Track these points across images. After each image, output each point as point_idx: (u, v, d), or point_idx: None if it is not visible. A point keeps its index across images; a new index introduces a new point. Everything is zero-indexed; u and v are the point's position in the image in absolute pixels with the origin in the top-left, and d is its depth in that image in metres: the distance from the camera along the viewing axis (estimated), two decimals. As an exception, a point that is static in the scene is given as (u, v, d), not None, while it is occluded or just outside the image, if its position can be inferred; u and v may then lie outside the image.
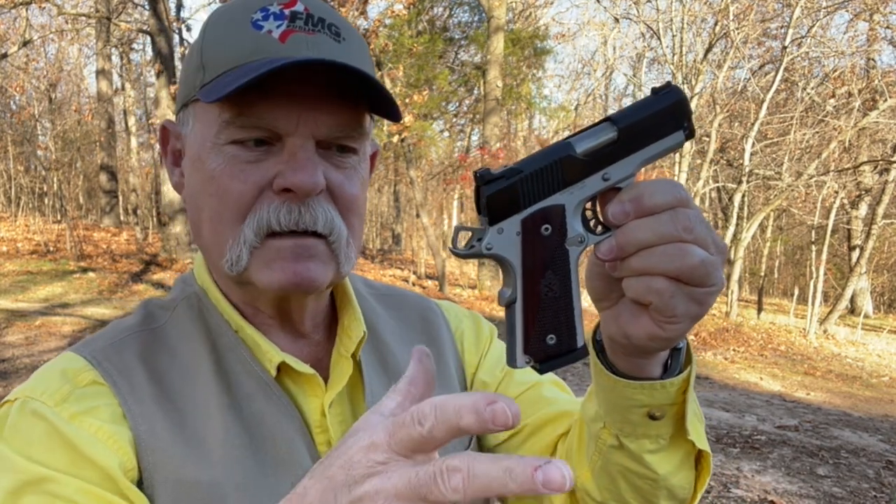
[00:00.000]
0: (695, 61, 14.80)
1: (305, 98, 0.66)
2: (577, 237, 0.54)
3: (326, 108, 0.67)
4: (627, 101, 23.04)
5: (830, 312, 14.31)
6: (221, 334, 0.74)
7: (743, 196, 14.54)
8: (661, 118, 0.53)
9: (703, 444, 0.67)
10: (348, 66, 0.64)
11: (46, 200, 17.12)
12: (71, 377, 0.67)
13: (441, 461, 0.39)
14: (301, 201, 0.67)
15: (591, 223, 0.56)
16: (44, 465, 0.62)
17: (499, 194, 0.51)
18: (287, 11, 0.67)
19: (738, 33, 14.23)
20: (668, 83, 0.55)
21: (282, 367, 0.72)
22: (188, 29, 17.00)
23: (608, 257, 0.53)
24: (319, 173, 0.67)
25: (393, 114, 0.69)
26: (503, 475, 0.38)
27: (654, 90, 0.54)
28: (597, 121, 0.54)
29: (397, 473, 0.41)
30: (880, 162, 15.22)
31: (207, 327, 0.75)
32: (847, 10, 14.53)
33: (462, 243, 0.53)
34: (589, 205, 0.55)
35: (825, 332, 13.90)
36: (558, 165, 0.51)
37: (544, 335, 0.55)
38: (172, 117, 0.82)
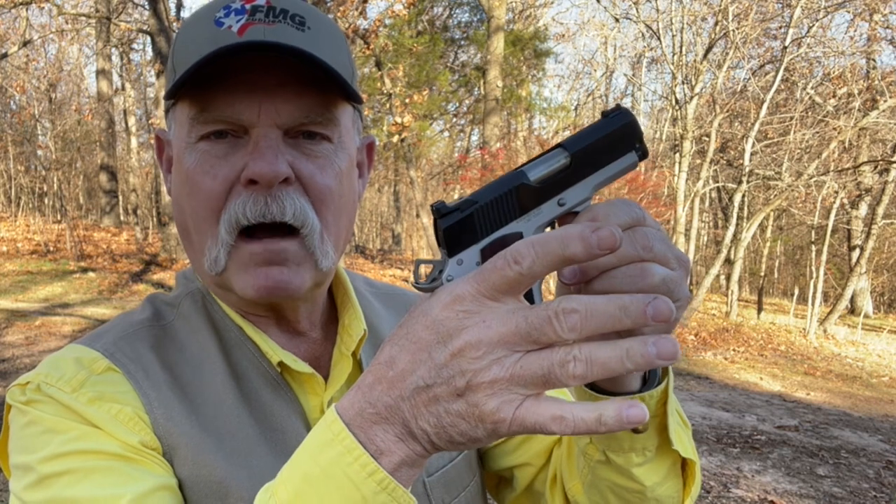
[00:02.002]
0: (695, 61, 14.78)
1: (265, 86, 0.66)
2: None
3: (285, 95, 0.67)
4: (627, 102, 23.05)
5: (830, 312, 14.31)
6: (227, 329, 0.74)
7: (743, 196, 14.52)
8: (612, 141, 0.54)
9: (687, 452, 0.67)
10: (296, 49, 0.64)
11: (46, 200, 17.12)
12: (86, 364, 0.68)
13: (554, 303, 0.40)
14: (267, 192, 0.66)
15: None
16: (76, 428, 0.63)
17: (455, 226, 0.50)
18: (248, 6, 0.68)
19: (738, 33, 14.22)
20: (618, 105, 0.55)
21: (281, 366, 0.73)
22: (188, 29, 16.96)
23: (572, 281, 0.53)
24: (281, 161, 0.66)
25: (353, 97, 0.69)
26: (619, 313, 0.39)
27: (603, 113, 0.55)
28: (548, 147, 0.54)
29: (496, 320, 0.40)
30: (880, 162, 15.22)
31: (213, 322, 0.75)
32: (847, 10, 14.53)
33: (424, 276, 0.52)
34: (549, 230, 0.55)
35: (825, 332, 13.90)
36: (513, 194, 0.51)
37: None
38: None
